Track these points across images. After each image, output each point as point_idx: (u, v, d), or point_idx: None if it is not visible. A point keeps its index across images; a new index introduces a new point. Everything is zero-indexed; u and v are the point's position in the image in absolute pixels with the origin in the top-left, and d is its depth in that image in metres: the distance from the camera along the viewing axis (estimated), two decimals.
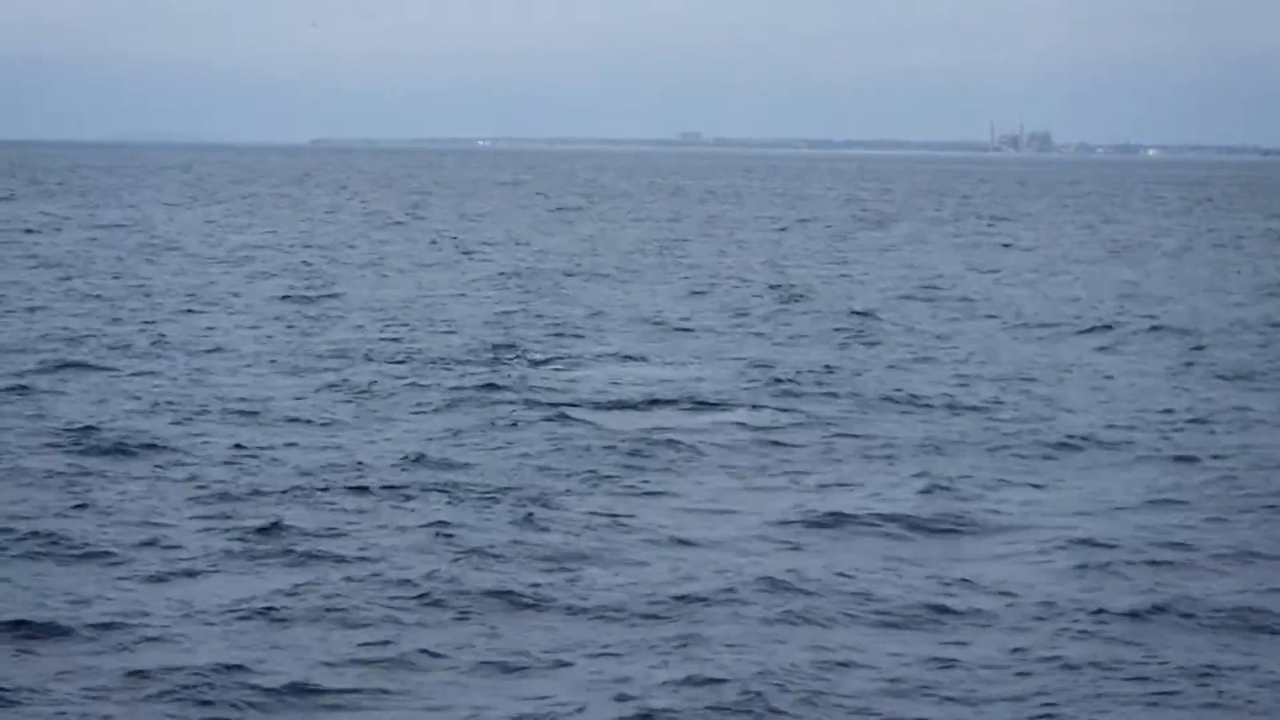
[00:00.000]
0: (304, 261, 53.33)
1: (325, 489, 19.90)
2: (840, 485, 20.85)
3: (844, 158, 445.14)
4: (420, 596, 15.72)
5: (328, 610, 15.23)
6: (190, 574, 16.35)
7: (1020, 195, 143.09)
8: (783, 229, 79.58)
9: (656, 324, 37.34)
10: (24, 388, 26.62)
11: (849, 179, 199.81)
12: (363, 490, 19.89)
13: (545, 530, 18.23)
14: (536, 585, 16.12)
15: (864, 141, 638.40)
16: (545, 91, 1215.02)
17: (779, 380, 28.73)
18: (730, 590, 16.00)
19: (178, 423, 23.92)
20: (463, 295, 43.41)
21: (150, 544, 17.31)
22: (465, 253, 59.57)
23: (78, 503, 19.09)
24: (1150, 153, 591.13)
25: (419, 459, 21.65)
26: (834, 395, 27.62)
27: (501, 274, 49.68)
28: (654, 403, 26.22)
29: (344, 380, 28.14)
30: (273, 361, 30.39)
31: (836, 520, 18.90)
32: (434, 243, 64.48)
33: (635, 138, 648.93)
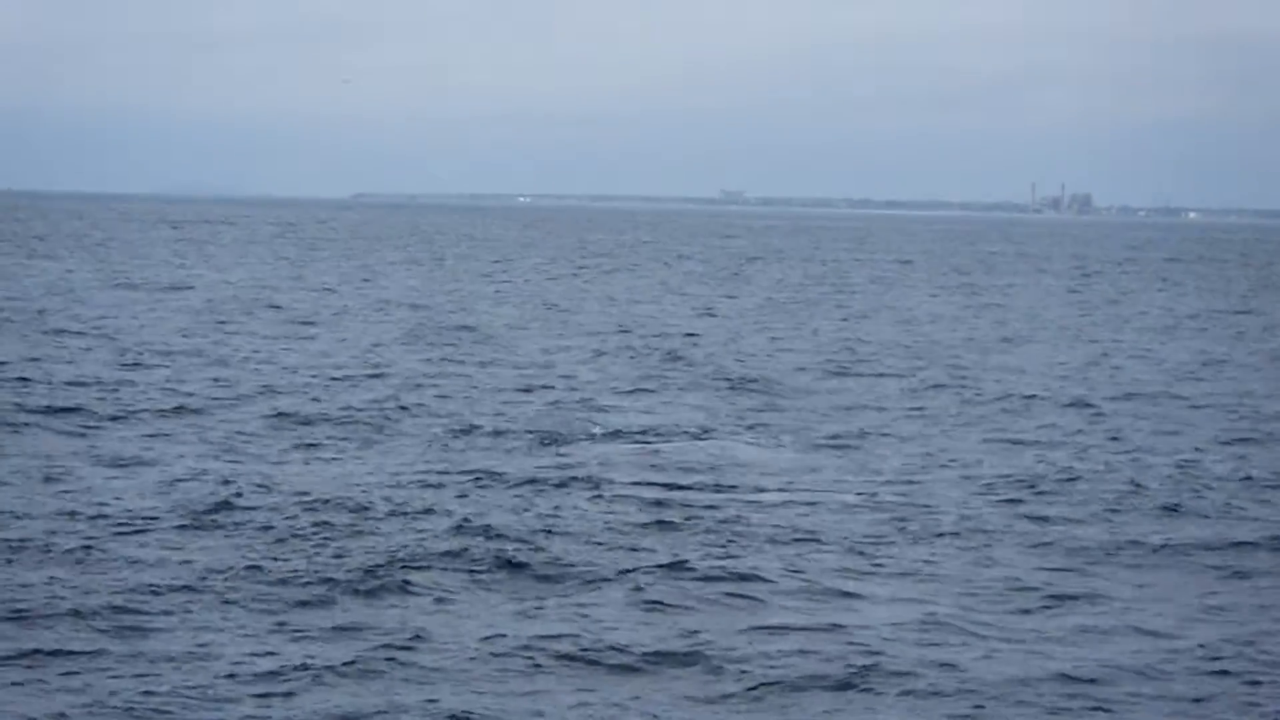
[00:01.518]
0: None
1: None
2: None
3: (889, 218, 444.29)
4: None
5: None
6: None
7: None
8: None
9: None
10: None
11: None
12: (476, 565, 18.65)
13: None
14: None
15: (905, 202, 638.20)
16: (585, 149, 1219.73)
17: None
18: None
19: None
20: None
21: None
22: None
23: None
24: (1192, 215, 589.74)
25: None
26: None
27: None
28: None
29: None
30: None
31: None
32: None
33: (677, 195, 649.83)
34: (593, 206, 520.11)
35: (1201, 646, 16.40)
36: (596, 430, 29.03)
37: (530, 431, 28.75)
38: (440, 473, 24.78)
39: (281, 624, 16.49)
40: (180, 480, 23.60)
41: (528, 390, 35.07)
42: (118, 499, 22.14)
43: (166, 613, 16.74)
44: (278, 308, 56.45)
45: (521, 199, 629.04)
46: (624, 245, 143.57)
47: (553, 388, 35.58)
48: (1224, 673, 15.59)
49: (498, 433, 28.78)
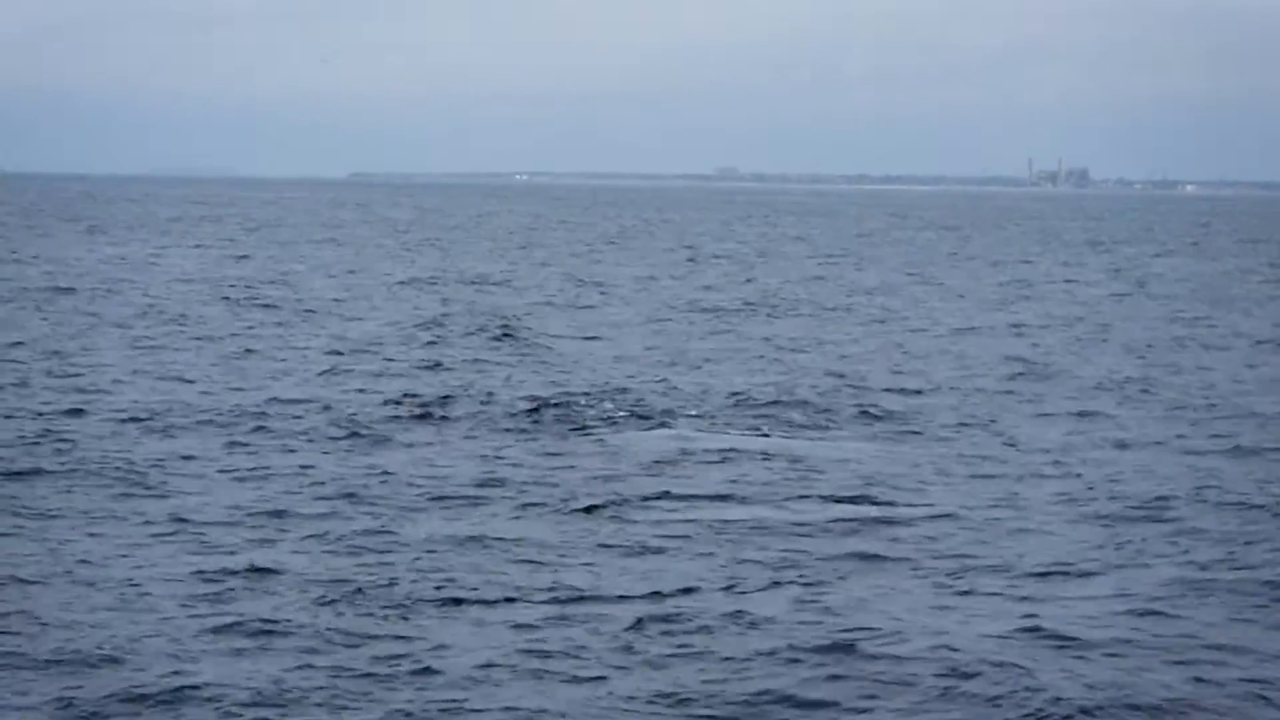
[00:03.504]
0: None
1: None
2: None
3: (883, 193, 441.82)
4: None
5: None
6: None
7: None
8: None
9: None
10: None
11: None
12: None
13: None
14: None
15: (901, 177, 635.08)
16: (580, 127, 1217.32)
17: None
18: None
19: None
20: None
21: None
22: None
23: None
24: (1188, 189, 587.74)
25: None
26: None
27: None
28: None
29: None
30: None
31: None
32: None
33: (672, 173, 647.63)
34: (591, 184, 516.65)
35: None
36: None
37: None
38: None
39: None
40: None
41: None
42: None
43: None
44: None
45: (519, 177, 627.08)
46: None
47: None
48: None
49: None
